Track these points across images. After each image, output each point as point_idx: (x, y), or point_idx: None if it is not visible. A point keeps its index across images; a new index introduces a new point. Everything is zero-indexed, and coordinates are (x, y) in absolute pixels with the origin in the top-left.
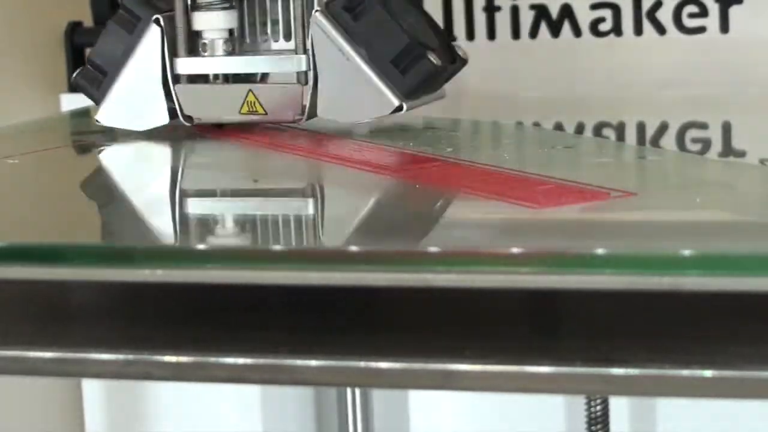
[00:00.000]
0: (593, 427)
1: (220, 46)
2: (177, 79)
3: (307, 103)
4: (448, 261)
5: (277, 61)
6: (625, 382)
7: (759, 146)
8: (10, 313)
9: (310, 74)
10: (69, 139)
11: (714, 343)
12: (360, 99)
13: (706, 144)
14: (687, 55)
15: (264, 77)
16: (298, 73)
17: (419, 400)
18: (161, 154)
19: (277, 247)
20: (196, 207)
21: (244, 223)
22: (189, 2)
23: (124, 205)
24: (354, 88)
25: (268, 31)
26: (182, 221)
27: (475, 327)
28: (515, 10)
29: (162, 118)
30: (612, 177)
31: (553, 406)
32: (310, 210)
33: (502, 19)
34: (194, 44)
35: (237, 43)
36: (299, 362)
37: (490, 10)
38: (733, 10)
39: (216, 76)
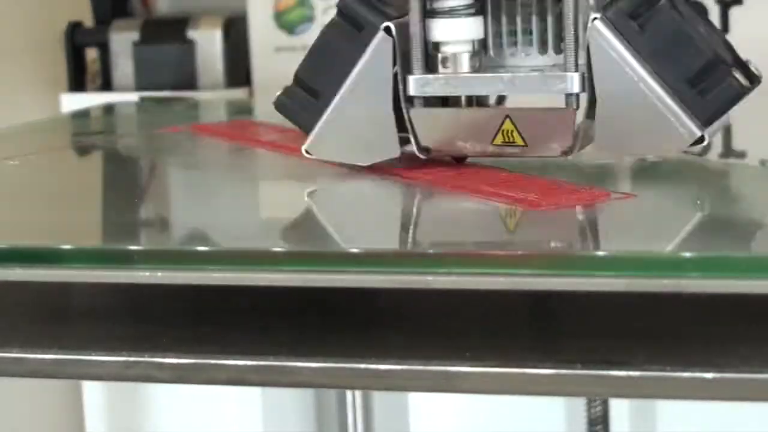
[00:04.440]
0: (593, 429)
1: (465, 61)
2: (411, 101)
3: (580, 132)
4: (448, 262)
5: (541, 80)
6: (625, 384)
7: (759, 147)
8: (11, 315)
9: (583, 97)
10: (69, 140)
11: (714, 344)
12: (650, 128)
13: (706, 145)
14: None
15: (502, 101)
16: (568, 95)
17: (419, 401)
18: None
19: (278, 249)
20: (196, 210)
21: (247, 224)
22: (425, 7)
23: (124, 207)
24: (643, 115)
25: (518, 41)
26: (183, 224)
27: (475, 329)
28: None
29: (392, 150)
30: (612, 178)
31: (554, 408)
32: None
33: None
34: (432, 59)
35: (480, 57)
36: (300, 364)
37: None
38: (734, 11)
39: (456, 99)
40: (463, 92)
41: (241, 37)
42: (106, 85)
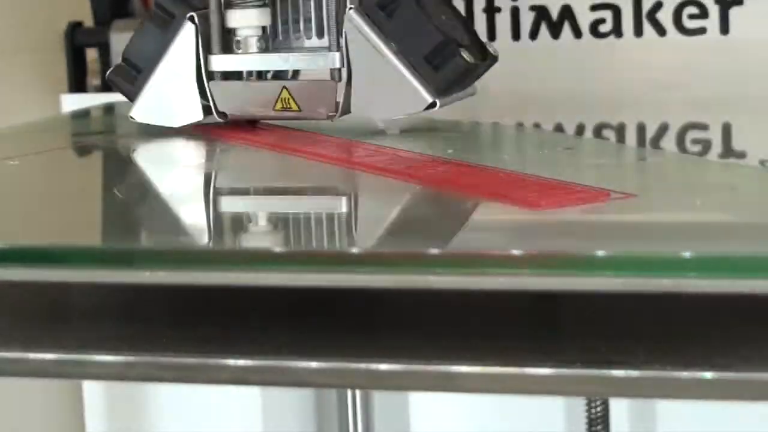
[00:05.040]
0: (593, 429)
1: (253, 44)
2: (211, 76)
3: (341, 100)
4: (448, 263)
5: (311, 59)
6: (625, 384)
7: (759, 147)
8: (11, 315)
9: (344, 71)
10: (69, 141)
11: (714, 344)
12: (393, 96)
13: (707, 145)
14: (687, 57)
15: (296, 74)
16: (331, 70)
17: (420, 401)
18: (165, 155)
19: (278, 249)
20: (198, 208)
21: (246, 224)
22: (223, 0)
23: (124, 206)
24: (387, 85)
25: (301, 28)
26: (183, 222)
27: (475, 329)
28: (515, 12)
29: (196, 115)
30: (612, 178)
31: (554, 408)
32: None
33: (503, 21)
34: (228, 42)
35: (270, 40)
36: (300, 364)
37: (491, 11)
38: (734, 12)
39: (250, 74)
40: (251, 68)
41: None
42: (106, 85)
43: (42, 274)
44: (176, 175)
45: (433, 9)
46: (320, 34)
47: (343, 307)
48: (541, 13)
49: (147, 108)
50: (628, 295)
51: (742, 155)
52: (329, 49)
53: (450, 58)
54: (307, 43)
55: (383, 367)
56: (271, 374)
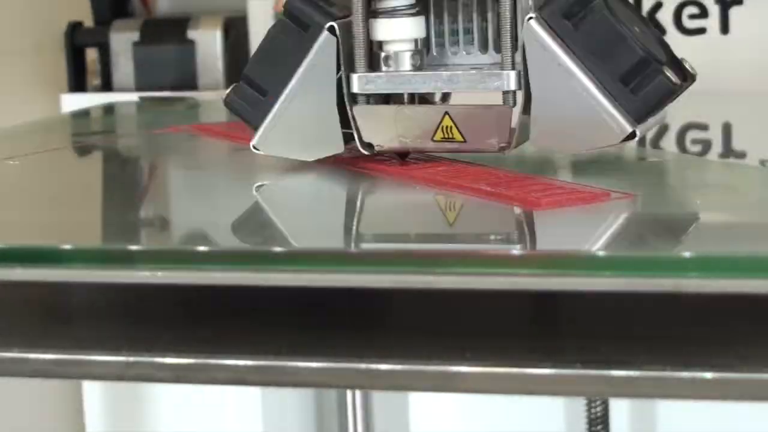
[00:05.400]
0: (593, 428)
1: (407, 60)
2: (355, 99)
3: (516, 129)
4: (448, 263)
5: (478, 78)
6: (625, 384)
7: (759, 147)
8: (11, 315)
9: (520, 94)
10: (69, 140)
11: (714, 344)
12: (583, 125)
13: (707, 145)
14: (687, 57)
15: (446, 98)
16: (505, 92)
17: (420, 401)
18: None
19: (278, 249)
20: (190, 208)
21: (245, 224)
22: (368, 7)
23: (124, 207)
24: (576, 112)
25: (460, 41)
26: (180, 223)
27: (475, 329)
28: None
29: (336, 147)
30: (612, 178)
31: (554, 408)
32: None
33: None
34: (375, 57)
35: (422, 55)
36: (300, 364)
37: None
38: (734, 12)
39: (399, 96)
40: (403, 89)
41: (241, 37)
42: (106, 85)
43: (42, 274)
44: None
45: (626, 20)
46: (484, 48)
47: (342, 307)
48: None
49: (275, 138)
50: (628, 295)
51: (742, 155)
52: (502, 66)
53: (652, 79)
54: (468, 60)
55: (383, 367)
56: (271, 374)
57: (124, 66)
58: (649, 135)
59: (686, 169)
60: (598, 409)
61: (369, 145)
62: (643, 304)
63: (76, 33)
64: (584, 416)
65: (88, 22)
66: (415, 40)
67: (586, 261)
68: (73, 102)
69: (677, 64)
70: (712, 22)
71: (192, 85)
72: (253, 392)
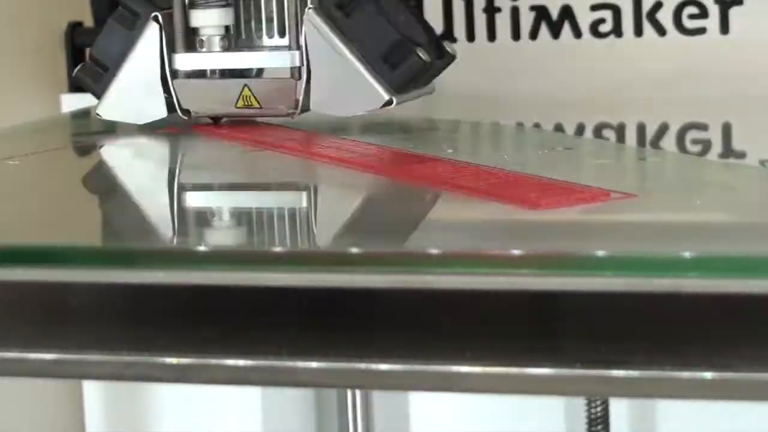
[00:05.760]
0: (593, 428)
1: (216, 43)
2: (175, 74)
3: (300, 97)
4: (448, 263)
5: (271, 57)
6: (625, 384)
7: (759, 147)
8: (11, 315)
9: (304, 70)
10: (69, 140)
11: (714, 344)
12: (351, 93)
13: (707, 145)
14: (687, 57)
15: (259, 73)
16: (291, 68)
17: (420, 401)
18: (157, 153)
19: (278, 249)
20: (194, 206)
21: (244, 224)
22: (187, 0)
23: (124, 206)
24: (345, 83)
25: (263, 27)
26: (182, 222)
27: (475, 329)
28: (515, 11)
29: (160, 112)
30: (612, 178)
31: (554, 407)
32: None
33: (503, 20)
34: (191, 41)
35: (233, 39)
36: (300, 364)
37: (490, 11)
38: (734, 12)
39: (213, 72)
40: (213, 67)
41: None
42: None
43: (42, 274)
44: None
45: (391, 9)
46: (281, 33)
47: (342, 307)
48: (541, 13)
49: (113, 105)
50: (628, 295)
51: (742, 155)
52: (289, 47)
53: (406, 57)
54: (269, 42)
55: (383, 367)
56: (271, 374)
57: None
58: (649, 135)
59: (686, 169)
60: (598, 409)
61: (187, 111)
62: (643, 304)
63: (76, 33)
64: (584, 416)
65: (88, 22)
66: (225, 27)
67: (586, 261)
68: (73, 102)
69: (436, 46)
70: (712, 22)
71: None
72: (253, 392)
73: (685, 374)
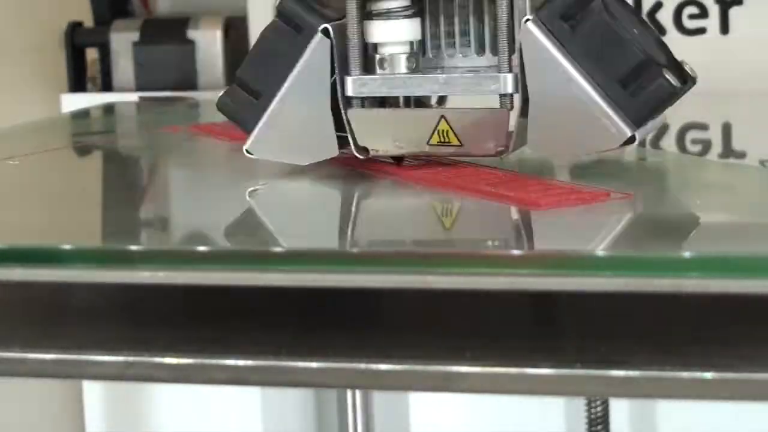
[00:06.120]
0: (593, 428)
1: (402, 63)
2: (349, 102)
3: (514, 132)
4: (448, 263)
5: (475, 81)
6: (625, 384)
7: (759, 147)
8: (11, 315)
9: (518, 98)
10: (70, 140)
11: (714, 344)
12: (582, 129)
13: (706, 145)
14: (687, 56)
15: (441, 100)
16: (502, 95)
17: (420, 401)
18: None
19: (278, 249)
20: (192, 209)
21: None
22: (362, 9)
23: (124, 206)
24: (574, 116)
25: (456, 43)
26: (181, 223)
27: (475, 329)
28: None
29: (330, 151)
30: (612, 178)
31: (554, 407)
32: None
33: None
34: (369, 60)
35: (418, 58)
36: (300, 364)
37: None
38: (734, 12)
39: (394, 100)
40: (399, 93)
41: (241, 37)
42: (106, 85)
43: (42, 274)
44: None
45: (625, 21)
46: (480, 50)
47: (342, 307)
48: None
49: (267, 141)
50: (628, 295)
51: (742, 155)
52: (499, 69)
53: (652, 82)
54: (465, 62)
55: (383, 367)
56: (271, 374)
57: (124, 66)
58: (649, 135)
59: (686, 169)
60: (598, 409)
61: (364, 149)
62: (643, 304)
63: (76, 33)
64: (584, 416)
65: (88, 22)
66: (411, 43)
67: (586, 261)
68: (73, 102)
69: (677, 67)
70: (712, 22)
71: (192, 85)
72: (253, 392)
73: (685, 374)
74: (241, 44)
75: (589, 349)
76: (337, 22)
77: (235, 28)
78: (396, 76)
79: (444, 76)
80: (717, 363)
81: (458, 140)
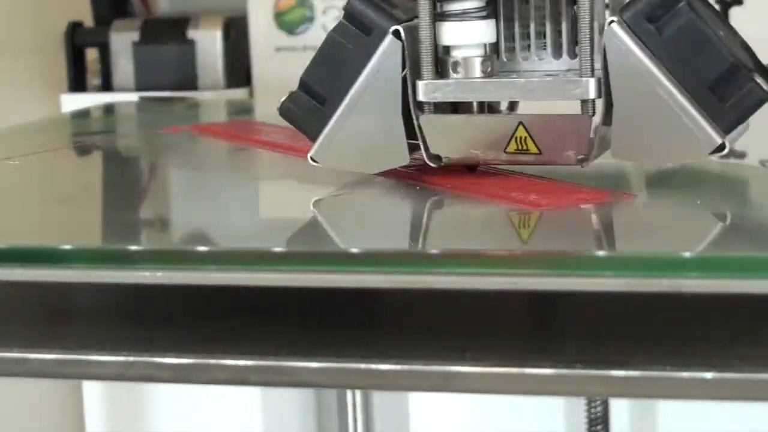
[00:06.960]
0: (593, 428)
1: (477, 66)
2: (421, 107)
3: (596, 139)
4: (449, 262)
5: (558, 86)
6: (625, 384)
7: (759, 147)
8: (12, 315)
9: (600, 103)
10: (70, 141)
11: (714, 344)
12: (669, 136)
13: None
14: None
15: (513, 107)
16: (583, 101)
17: (420, 401)
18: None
19: (278, 249)
20: (196, 211)
21: (245, 224)
22: (434, 10)
23: (124, 206)
24: (661, 122)
25: (531, 46)
26: (181, 223)
27: (475, 329)
28: None
29: (401, 158)
30: (613, 178)
31: (554, 408)
32: None
33: None
34: (442, 63)
35: (493, 61)
36: (300, 364)
37: None
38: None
39: (466, 106)
40: (474, 98)
41: (241, 37)
42: (106, 85)
43: (42, 274)
44: None
45: (712, 23)
46: (557, 54)
47: (343, 307)
48: None
49: (334, 148)
50: (628, 295)
51: (741, 155)
52: (580, 73)
53: (742, 87)
54: (542, 66)
55: (383, 367)
56: (271, 374)
57: (124, 66)
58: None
59: (686, 169)
60: (598, 409)
61: (437, 157)
62: (644, 304)
63: (76, 33)
64: (584, 416)
65: (88, 22)
66: (485, 45)
67: (586, 261)
68: (73, 102)
69: (763, 70)
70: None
71: (192, 85)
72: (253, 392)
73: (686, 374)
74: (241, 44)
75: (589, 349)
76: (408, 23)
77: (235, 28)
78: (471, 81)
79: (522, 80)
80: (717, 363)
81: (537, 148)
